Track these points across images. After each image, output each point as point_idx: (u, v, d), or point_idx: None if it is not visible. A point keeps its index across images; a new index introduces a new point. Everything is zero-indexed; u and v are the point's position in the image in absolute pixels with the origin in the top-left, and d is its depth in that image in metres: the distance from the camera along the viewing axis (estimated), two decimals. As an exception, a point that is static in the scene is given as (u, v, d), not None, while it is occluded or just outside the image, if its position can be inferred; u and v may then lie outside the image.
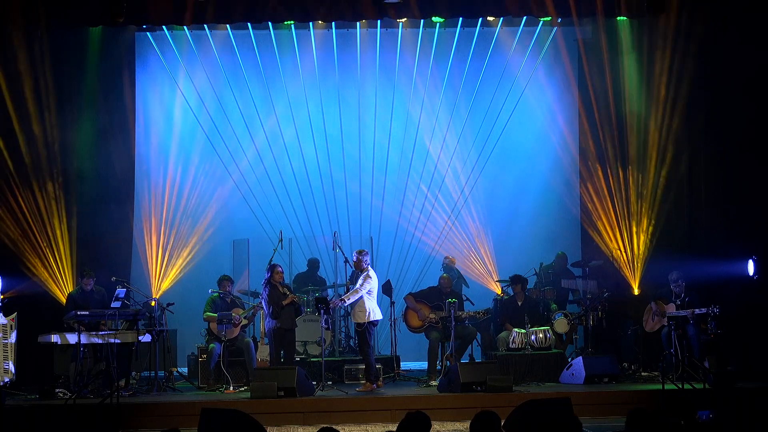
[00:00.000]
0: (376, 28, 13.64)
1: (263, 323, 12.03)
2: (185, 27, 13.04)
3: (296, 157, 14.08)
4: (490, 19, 13.25)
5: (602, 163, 13.08)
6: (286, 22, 13.06)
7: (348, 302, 11.41)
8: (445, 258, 13.62)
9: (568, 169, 13.98)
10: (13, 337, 10.86)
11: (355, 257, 11.41)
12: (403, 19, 13.07)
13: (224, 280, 12.00)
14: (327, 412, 10.34)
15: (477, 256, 14.04)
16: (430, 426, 5.74)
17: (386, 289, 12.60)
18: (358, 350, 11.74)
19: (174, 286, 13.32)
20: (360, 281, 11.29)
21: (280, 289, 11.46)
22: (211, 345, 11.64)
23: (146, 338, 11.28)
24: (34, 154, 12.33)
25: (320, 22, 13.10)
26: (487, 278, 13.90)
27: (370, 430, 9.82)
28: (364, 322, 11.22)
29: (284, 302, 11.34)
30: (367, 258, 11.45)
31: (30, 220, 12.29)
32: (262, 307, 11.88)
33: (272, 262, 11.72)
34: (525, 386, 11.24)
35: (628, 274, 12.86)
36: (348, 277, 13.06)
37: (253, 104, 13.97)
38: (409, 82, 14.06)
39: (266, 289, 11.43)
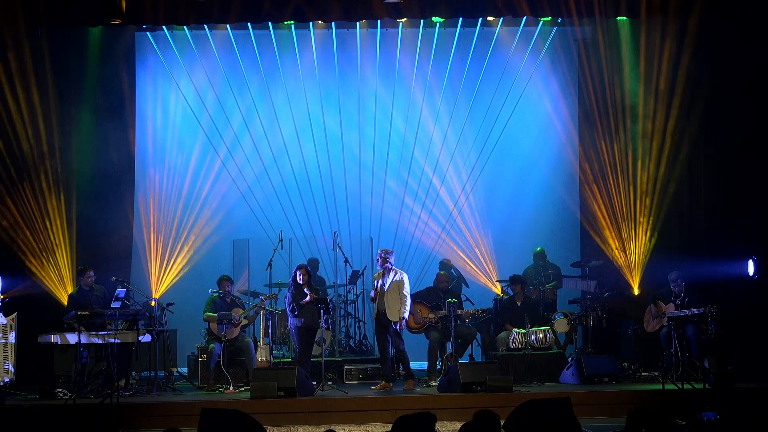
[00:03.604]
0: (376, 28, 13.63)
1: (263, 323, 12.04)
2: (185, 27, 13.07)
3: (296, 157, 14.08)
4: (490, 19, 13.25)
5: (601, 162, 13.08)
6: (286, 22, 13.06)
7: (407, 312, 11.31)
8: (444, 260, 13.61)
9: (568, 168, 13.98)
10: (12, 337, 10.86)
11: (381, 256, 11.34)
12: (403, 19, 13.06)
13: (224, 280, 12.01)
14: (327, 412, 10.34)
15: (477, 256, 14.03)
16: (433, 426, 5.72)
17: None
18: (394, 349, 11.48)
19: (174, 286, 13.32)
20: (405, 283, 11.24)
21: (303, 288, 11.45)
22: (211, 345, 11.65)
23: (146, 338, 11.28)
24: (34, 153, 12.35)
25: (320, 22, 13.10)
26: (487, 278, 13.89)
27: (370, 430, 9.82)
28: (398, 320, 11.22)
29: (303, 301, 11.34)
30: (392, 257, 11.43)
31: (30, 219, 12.30)
32: (264, 307, 11.90)
33: (300, 263, 11.87)
34: (525, 386, 11.23)
35: (628, 274, 12.87)
36: (348, 277, 13.07)
37: (253, 104, 13.96)
38: (409, 82, 14.05)
39: (291, 287, 11.46)
